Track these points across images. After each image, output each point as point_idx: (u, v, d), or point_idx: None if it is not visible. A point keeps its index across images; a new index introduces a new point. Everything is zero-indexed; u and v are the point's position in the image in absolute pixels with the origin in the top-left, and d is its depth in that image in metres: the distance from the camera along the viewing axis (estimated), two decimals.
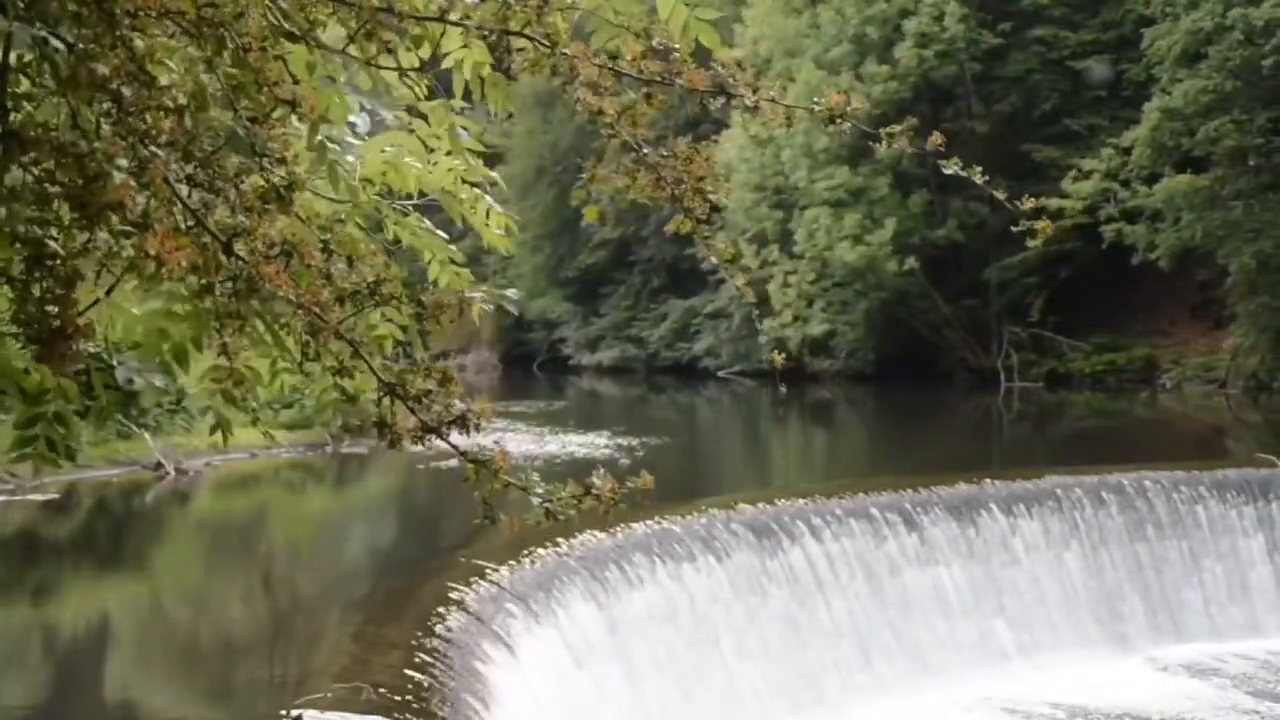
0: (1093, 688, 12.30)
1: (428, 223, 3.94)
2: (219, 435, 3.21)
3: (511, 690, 7.71)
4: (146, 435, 18.27)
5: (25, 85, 2.90)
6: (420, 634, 7.65)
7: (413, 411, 3.09)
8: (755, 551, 11.20)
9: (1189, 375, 36.95)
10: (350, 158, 3.63)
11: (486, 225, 4.03)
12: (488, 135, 4.14)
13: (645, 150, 3.28)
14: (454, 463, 3.19)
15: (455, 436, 3.12)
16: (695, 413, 38.03)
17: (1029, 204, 3.56)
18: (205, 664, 9.50)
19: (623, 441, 23.10)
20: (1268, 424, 27.67)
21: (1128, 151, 35.64)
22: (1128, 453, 20.57)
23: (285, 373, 3.36)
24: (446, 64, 3.50)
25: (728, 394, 43.33)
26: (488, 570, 8.94)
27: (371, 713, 6.23)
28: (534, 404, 35.87)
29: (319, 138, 3.21)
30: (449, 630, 7.83)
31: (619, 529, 10.27)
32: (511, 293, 3.47)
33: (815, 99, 3.36)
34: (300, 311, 3.01)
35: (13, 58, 2.84)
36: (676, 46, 3.27)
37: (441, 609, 8.13)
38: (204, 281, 2.96)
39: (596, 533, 10.08)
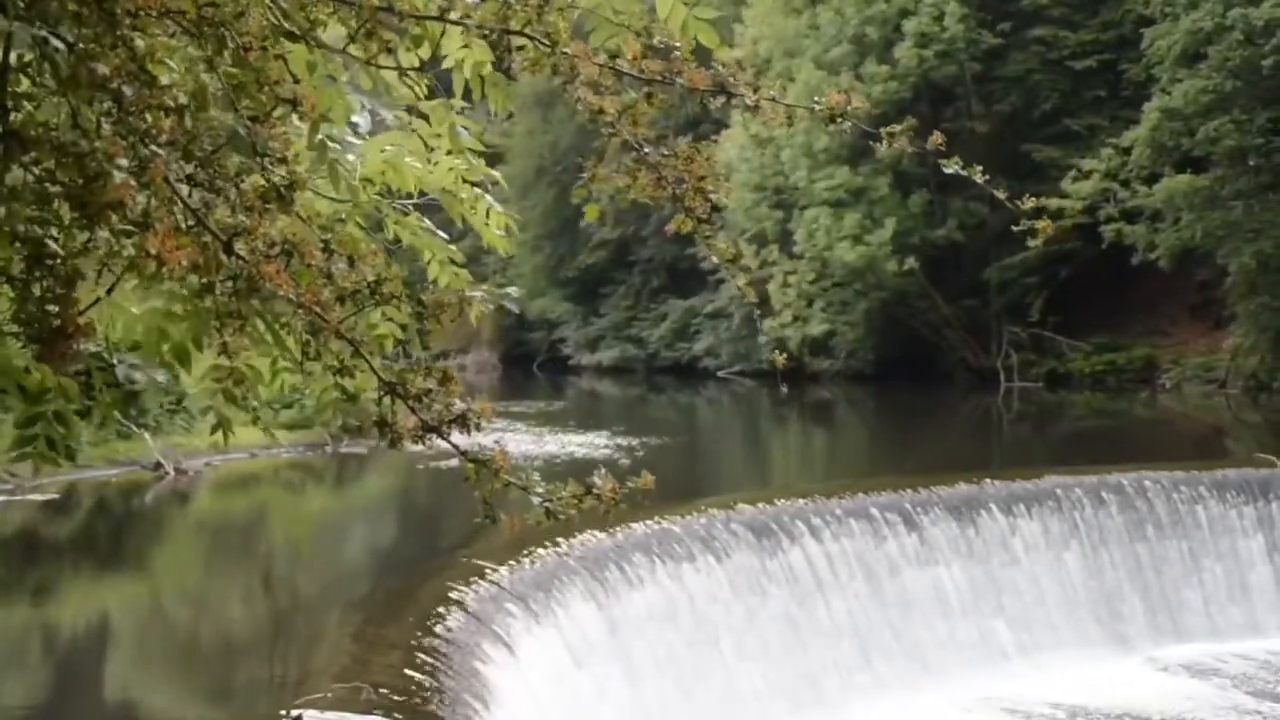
0: (1093, 688, 12.30)
1: (428, 222, 3.94)
2: (219, 435, 3.21)
3: (511, 690, 7.71)
4: (146, 435, 18.27)
5: (26, 85, 2.90)
6: (420, 634, 7.65)
7: (413, 411, 3.09)
8: (755, 551, 11.20)
9: (1189, 375, 36.95)
10: (351, 156, 3.63)
11: (486, 225, 4.03)
12: (488, 135, 4.13)
13: (646, 149, 3.28)
14: (454, 463, 3.19)
15: (455, 436, 3.12)
16: (695, 413, 38.02)
17: (1029, 203, 3.55)
18: (205, 664, 9.50)
19: (622, 441, 23.10)
20: (1268, 424, 27.67)
21: (1127, 151, 35.64)
22: (1128, 453, 20.56)
23: (286, 372, 3.36)
24: (447, 64, 3.50)
25: (727, 394, 43.33)
26: (488, 570, 8.94)
27: (371, 713, 6.23)
28: (534, 404, 35.87)
29: (319, 137, 3.21)
30: (449, 630, 7.83)
31: (619, 529, 10.27)
32: (512, 291, 3.47)
33: (815, 99, 3.35)
34: (301, 311, 3.01)
35: (13, 57, 2.84)
36: (677, 45, 3.27)
37: (441, 609, 8.13)
38: (204, 281, 2.96)
39: (596, 533, 10.08)
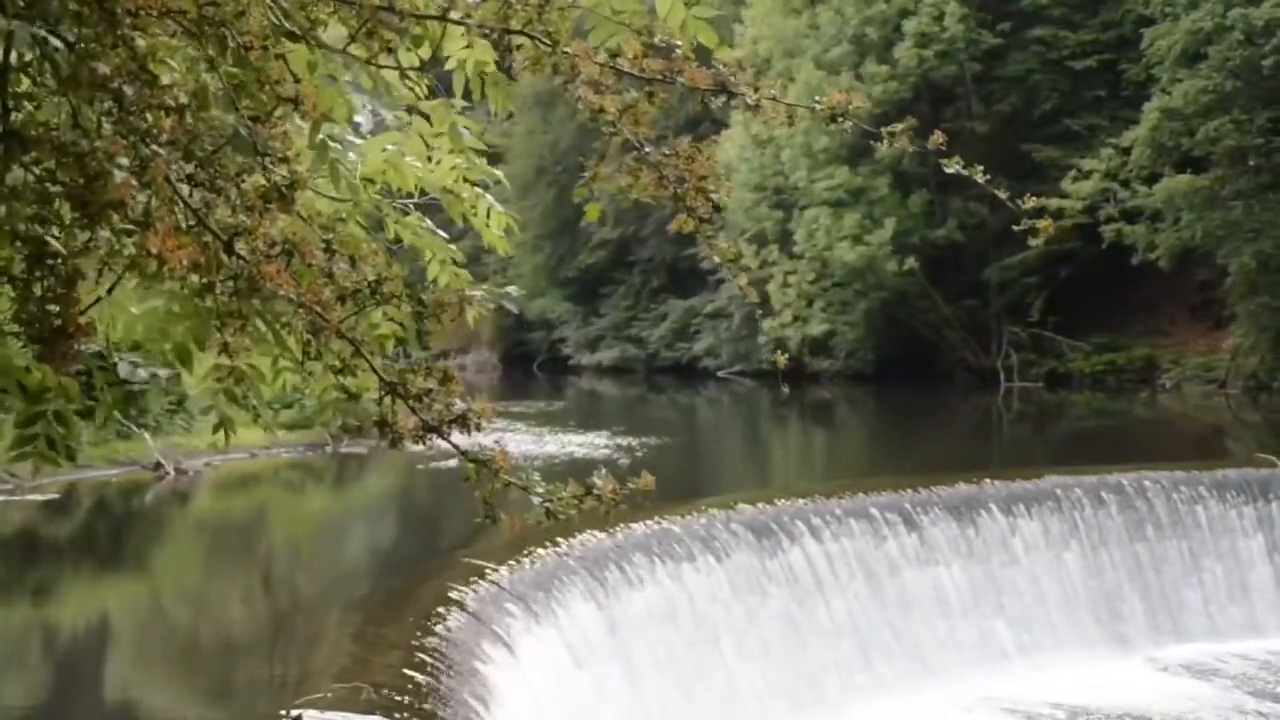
0: (1093, 688, 12.30)
1: (428, 222, 3.94)
2: (219, 435, 3.21)
3: (511, 690, 7.71)
4: (146, 435, 18.27)
5: (26, 84, 2.90)
6: (420, 634, 7.65)
7: (414, 410, 3.09)
8: (755, 551, 11.20)
9: (1189, 375, 36.96)
10: (351, 156, 3.63)
11: (487, 225, 4.02)
12: (488, 135, 4.13)
13: (648, 149, 3.28)
14: (454, 463, 3.18)
15: (456, 436, 3.12)
16: (695, 413, 38.02)
17: (1030, 203, 3.55)
18: (205, 664, 9.50)
19: (622, 441, 23.10)
20: (1268, 424, 27.67)
21: (1127, 151, 35.64)
22: (1127, 453, 20.56)
23: (287, 371, 3.35)
24: (449, 65, 3.50)
25: (727, 394, 43.33)
26: (487, 570, 8.94)
27: (371, 713, 6.22)
28: (534, 404, 35.87)
29: (320, 136, 3.20)
30: (449, 630, 7.83)
31: (619, 529, 10.27)
32: (512, 291, 3.47)
33: (816, 98, 3.35)
34: (302, 310, 3.01)
35: (13, 57, 2.84)
36: (678, 44, 3.27)
37: (441, 609, 8.13)
38: (205, 280, 2.96)
39: (596, 533, 10.08)
